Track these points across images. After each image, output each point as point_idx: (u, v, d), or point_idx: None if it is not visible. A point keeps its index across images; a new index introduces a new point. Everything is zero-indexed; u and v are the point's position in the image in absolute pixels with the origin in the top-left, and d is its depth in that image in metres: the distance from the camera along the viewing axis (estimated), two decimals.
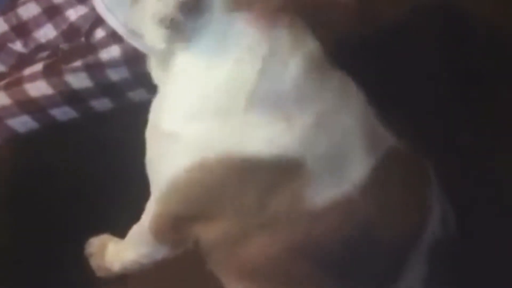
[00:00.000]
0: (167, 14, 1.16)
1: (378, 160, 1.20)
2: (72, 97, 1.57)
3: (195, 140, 1.19)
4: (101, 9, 1.57)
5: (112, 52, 1.57)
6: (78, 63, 1.57)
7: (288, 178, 1.17)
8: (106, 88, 1.58)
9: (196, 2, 1.17)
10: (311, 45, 1.22)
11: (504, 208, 1.52)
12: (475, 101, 1.56)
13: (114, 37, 1.56)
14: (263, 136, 1.16)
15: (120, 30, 1.51)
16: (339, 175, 1.18)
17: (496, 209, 1.52)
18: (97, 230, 1.50)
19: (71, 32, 1.62)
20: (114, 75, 1.58)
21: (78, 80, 1.57)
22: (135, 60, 1.54)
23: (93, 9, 1.58)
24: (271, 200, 1.18)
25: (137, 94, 1.61)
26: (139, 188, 1.32)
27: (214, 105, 1.19)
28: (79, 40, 1.60)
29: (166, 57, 1.24)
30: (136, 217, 1.37)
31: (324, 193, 1.17)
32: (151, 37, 1.23)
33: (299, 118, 1.17)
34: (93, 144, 1.61)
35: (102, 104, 1.60)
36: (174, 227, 1.26)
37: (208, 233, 1.23)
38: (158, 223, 1.27)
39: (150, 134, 1.29)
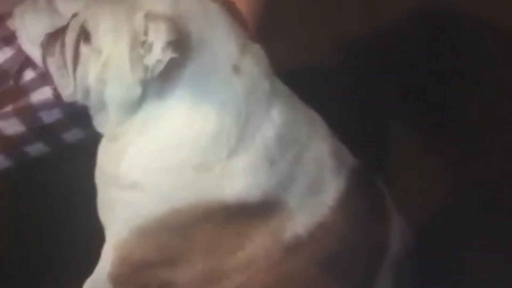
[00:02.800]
0: (154, 57, 1.09)
1: (346, 179, 1.19)
2: (5, 144, 1.49)
3: (168, 190, 1.15)
4: (30, 50, 1.51)
5: (43, 93, 1.49)
6: (8, 108, 1.49)
7: (268, 218, 1.15)
8: (39, 132, 1.51)
9: (183, 42, 1.11)
10: (278, 82, 1.21)
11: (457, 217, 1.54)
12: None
13: (44, 77, 1.48)
14: (246, 181, 1.14)
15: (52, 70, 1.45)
16: (317, 201, 1.17)
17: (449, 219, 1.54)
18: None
19: None
20: (47, 118, 1.50)
21: (10, 126, 1.48)
22: None
23: (20, 50, 1.52)
24: (249, 241, 1.15)
25: (72, 135, 1.54)
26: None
27: (193, 157, 1.14)
28: (8, 84, 1.51)
29: (133, 105, 1.17)
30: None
31: (304, 222, 1.16)
32: (122, 84, 1.15)
33: (281, 160, 1.15)
34: (30, 191, 1.54)
35: (36, 148, 1.52)
36: (137, 273, 1.20)
37: (178, 276, 1.18)
38: (119, 269, 1.20)
39: (103, 180, 1.23)
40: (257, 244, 1.15)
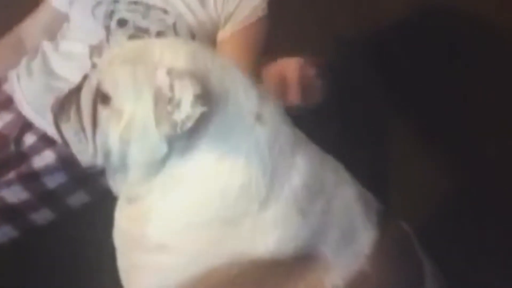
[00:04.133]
0: (184, 112, 1.06)
1: (376, 224, 1.17)
2: (9, 214, 1.43)
3: (197, 249, 1.10)
4: (29, 114, 1.46)
5: (45, 157, 1.44)
6: (10, 176, 1.43)
7: (304, 272, 1.11)
8: (44, 198, 1.45)
9: (208, 95, 1.08)
10: (297, 129, 1.18)
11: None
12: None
13: (45, 140, 1.44)
14: (279, 235, 1.10)
15: (53, 133, 1.40)
16: (352, 250, 1.14)
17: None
18: None
19: None
20: (51, 182, 1.44)
21: (13, 194, 1.43)
22: (71, 162, 1.41)
23: (19, 114, 1.47)
24: None
25: (76, 199, 1.48)
26: None
27: (222, 212, 1.10)
28: (8, 150, 1.45)
29: (157, 164, 1.12)
30: None
31: (342, 274, 1.12)
32: (147, 142, 1.11)
33: (312, 210, 1.12)
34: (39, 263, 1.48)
35: (42, 215, 1.46)
36: None
37: None
38: None
39: (125, 244, 1.18)
40: None
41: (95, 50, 1.46)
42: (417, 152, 1.59)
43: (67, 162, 1.42)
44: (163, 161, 1.11)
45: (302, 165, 1.13)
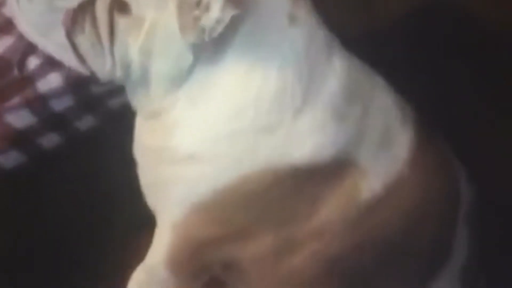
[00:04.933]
0: (213, 16, 1.00)
1: (413, 129, 1.14)
2: (17, 139, 1.39)
3: (230, 158, 1.07)
4: (32, 36, 1.41)
5: (51, 81, 1.40)
6: (15, 100, 1.39)
7: (341, 178, 1.08)
8: (51, 122, 1.41)
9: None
10: (329, 34, 1.13)
11: None
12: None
13: (50, 63, 1.39)
14: (316, 141, 1.06)
15: (59, 55, 1.36)
16: (390, 155, 1.11)
17: None
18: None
19: (1, 66, 1.43)
20: (58, 106, 1.41)
21: (20, 119, 1.39)
22: (78, 85, 1.38)
23: (20, 37, 1.42)
24: (323, 205, 1.08)
25: (84, 123, 1.45)
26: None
27: (256, 120, 1.06)
28: (12, 74, 1.41)
29: (182, 75, 1.08)
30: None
31: (380, 178, 1.09)
32: (171, 52, 1.06)
33: (350, 115, 1.09)
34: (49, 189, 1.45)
35: (49, 140, 1.43)
36: (198, 253, 1.12)
37: (245, 251, 1.11)
38: (178, 252, 1.12)
39: (149, 159, 1.15)
40: (332, 207, 1.08)
41: None
42: None
43: (74, 84, 1.38)
44: (189, 71, 1.07)
45: (339, 66, 1.09)
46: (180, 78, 1.08)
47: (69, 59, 1.30)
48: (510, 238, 1.39)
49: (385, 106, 1.13)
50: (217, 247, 1.12)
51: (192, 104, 1.09)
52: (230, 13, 1.00)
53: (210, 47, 1.05)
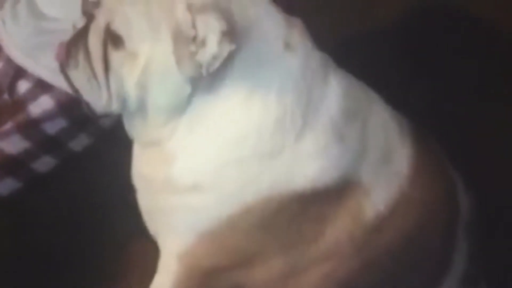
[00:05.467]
0: (210, 52, 0.99)
1: (412, 143, 1.14)
2: (10, 165, 1.37)
3: (234, 186, 1.06)
4: (20, 60, 1.39)
5: (43, 103, 1.38)
6: (8, 126, 1.37)
7: (345, 198, 1.08)
8: (45, 145, 1.40)
9: (234, 29, 1.00)
10: (323, 55, 1.12)
11: None
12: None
13: (41, 86, 1.38)
14: (319, 165, 1.06)
15: (49, 77, 1.35)
16: (391, 172, 1.11)
17: None
18: None
19: None
20: (51, 128, 1.39)
21: (12, 144, 1.37)
22: (70, 105, 1.36)
23: (9, 61, 1.40)
24: (329, 227, 1.08)
25: (78, 142, 1.43)
26: None
27: (259, 146, 1.05)
28: (2, 99, 1.39)
29: (180, 106, 1.07)
30: None
31: (383, 197, 1.10)
32: (168, 86, 1.05)
33: (350, 133, 1.08)
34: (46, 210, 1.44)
35: (44, 163, 1.41)
36: (206, 282, 1.12)
37: (254, 277, 1.11)
38: (186, 281, 1.12)
39: (149, 188, 1.14)
40: (338, 229, 1.09)
41: None
42: None
43: (66, 106, 1.37)
44: (187, 101, 1.06)
45: (336, 86, 1.09)
46: (179, 108, 1.07)
47: (60, 81, 1.30)
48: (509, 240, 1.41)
49: (383, 121, 1.13)
50: (224, 275, 1.12)
51: (191, 133, 1.08)
52: (227, 48, 0.99)
53: (207, 77, 1.04)
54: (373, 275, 1.13)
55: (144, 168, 1.15)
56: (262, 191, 1.06)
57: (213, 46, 0.99)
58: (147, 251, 1.25)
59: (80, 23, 1.13)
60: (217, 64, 1.00)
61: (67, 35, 1.27)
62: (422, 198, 1.13)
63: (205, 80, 1.04)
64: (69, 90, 1.18)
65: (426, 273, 1.19)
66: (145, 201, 1.17)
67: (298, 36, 1.09)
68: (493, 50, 1.53)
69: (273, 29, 1.07)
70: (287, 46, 1.07)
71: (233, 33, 1.00)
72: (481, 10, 1.50)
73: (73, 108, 1.36)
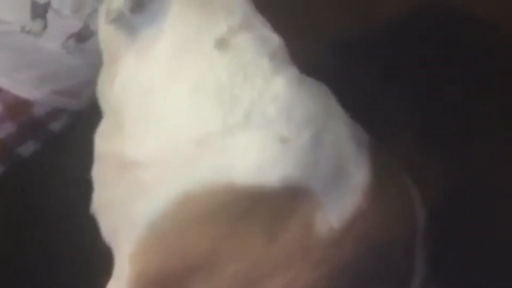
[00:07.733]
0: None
1: (369, 159, 1.12)
2: None
3: (174, 167, 1.05)
4: None
5: None
6: None
7: (296, 206, 1.06)
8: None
9: None
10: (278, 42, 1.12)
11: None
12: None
13: None
14: (256, 159, 1.05)
15: None
16: (347, 187, 1.10)
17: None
18: None
19: None
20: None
21: None
22: (18, 110, 1.34)
23: None
24: (281, 234, 1.06)
25: (26, 148, 1.41)
26: None
27: (191, 131, 1.06)
28: None
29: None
30: None
31: (337, 211, 1.08)
32: None
33: (295, 139, 1.07)
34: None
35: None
36: None
37: (210, 285, 1.07)
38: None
39: (104, 168, 1.13)
40: (291, 235, 1.06)
41: None
42: (417, 152, 1.58)
43: (14, 111, 1.34)
44: None
45: (281, 90, 1.08)
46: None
47: (7, 83, 1.28)
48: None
49: (339, 136, 1.12)
50: (179, 281, 1.08)
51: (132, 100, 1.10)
52: None
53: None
54: (340, 286, 1.12)
55: (102, 145, 1.14)
56: (202, 178, 1.05)
57: None
58: None
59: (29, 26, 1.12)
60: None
61: (15, 38, 1.26)
62: (382, 213, 1.12)
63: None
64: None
65: (391, 283, 1.17)
66: (102, 194, 1.14)
67: (243, 39, 1.09)
68: (493, 50, 1.54)
69: (207, 25, 1.09)
70: (221, 45, 1.08)
71: None
72: (481, 10, 1.51)
73: (21, 112, 1.34)
